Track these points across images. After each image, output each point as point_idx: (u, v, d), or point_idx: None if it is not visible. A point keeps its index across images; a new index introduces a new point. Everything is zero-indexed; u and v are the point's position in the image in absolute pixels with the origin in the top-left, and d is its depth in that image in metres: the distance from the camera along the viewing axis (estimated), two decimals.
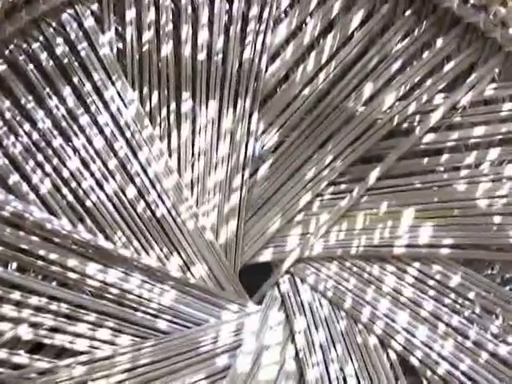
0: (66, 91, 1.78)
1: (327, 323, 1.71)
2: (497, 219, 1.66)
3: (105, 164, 1.72)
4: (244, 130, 1.74)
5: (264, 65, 1.70)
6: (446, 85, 1.72)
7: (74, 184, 1.73)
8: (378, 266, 1.73)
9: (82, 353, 1.66)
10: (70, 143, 1.73)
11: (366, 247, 1.72)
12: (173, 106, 1.73)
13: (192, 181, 1.75)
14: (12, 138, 1.70)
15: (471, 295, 1.68)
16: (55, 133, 1.72)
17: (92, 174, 1.71)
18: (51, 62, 1.71)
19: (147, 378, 1.64)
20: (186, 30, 1.75)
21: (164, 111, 1.73)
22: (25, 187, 1.69)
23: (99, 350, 1.67)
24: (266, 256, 1.77)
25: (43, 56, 1.72)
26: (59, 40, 1.72)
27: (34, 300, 1.66)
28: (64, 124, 1.74)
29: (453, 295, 1.70)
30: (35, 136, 1.71)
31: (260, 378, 1.63)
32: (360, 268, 1.73)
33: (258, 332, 1.69)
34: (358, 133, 1.73)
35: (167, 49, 1.74)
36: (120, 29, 1.75)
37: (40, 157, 1.70)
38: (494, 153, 1.70)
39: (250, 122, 1.73)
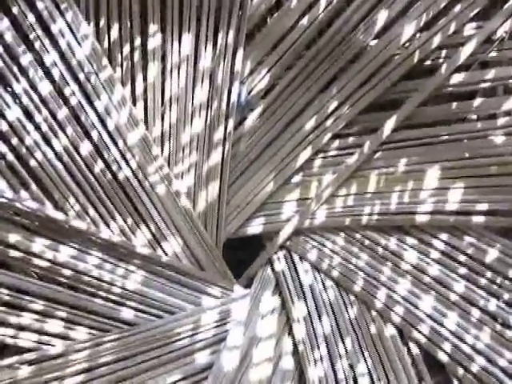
0: (3, 24, 1.71)
1: (333, 310, 1.64)
2: None
3: (53, 114, 1.68)
4: (226, 71, 1.69)
5: None
6: (478, 12, 1.68)
7: (14, 140, 1.68)
8: (395, 238, 1.66)
9: (27, 350, 1.63)
10: (9, 89, 1.71)
11: (381, 215, 1.66)
12: (137, 41, 1.72)
13: (162, 135, 1.71)
14: None
15: None
16: None
17: (37, 127, 1.68)
18: None
19: (109, 381, 1.60)
20: None
21: (126, 48, 1.71)
22: None
23: (49, 347, 1.63)
24: (256, 227, 1.71)
25: None
26: None
27: None
28: (1, 64, 1.70)
29: (489, 274, 1.64)
30: None
31: (250, 378, 1.58)
32: (373, 241, 1.66)
33: (247, 322, 1.64)
34: (368, 73, 1.68)
35: None
36: None
37: None
38: None
39: (233, 61, 1.70)
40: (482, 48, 1.67)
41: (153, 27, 1.69)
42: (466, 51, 1.66)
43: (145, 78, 1.71)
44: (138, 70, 1.70)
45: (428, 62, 1.69)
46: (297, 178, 1.71)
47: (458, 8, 1.69)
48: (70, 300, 1.64)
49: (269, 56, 1.71)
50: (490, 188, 1.66)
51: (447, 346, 1.62)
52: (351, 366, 1.64)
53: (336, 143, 1.71)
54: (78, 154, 1.67)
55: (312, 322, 1.65)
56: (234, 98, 1.69)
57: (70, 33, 1.68)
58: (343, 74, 1.70)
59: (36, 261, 1.65)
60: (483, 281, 1.65)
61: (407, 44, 1.68)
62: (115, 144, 1.68)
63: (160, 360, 1.62)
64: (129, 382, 1.62)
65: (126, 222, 1.67)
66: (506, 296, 1.66)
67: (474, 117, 1.69)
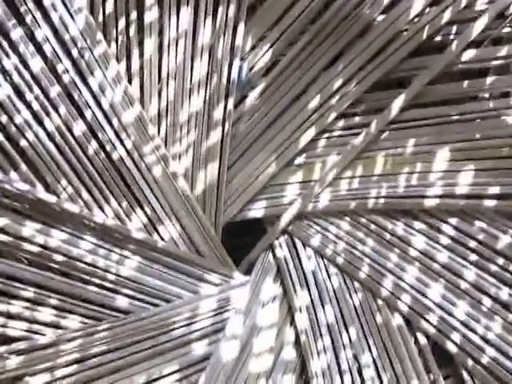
0: None
1: (337, 298, 1.63)
2: None
3: (44, 92, 1.66)
4: (226, 47, 1.68)
5: None
6: None
7: (3, 118, 1.66)
8: (402, 223, 1.64)
9: (16, 339, 1.62)
10: None
11: (388, 199, 1.64)
12: (133, 15, 1.70)
13: (159, 113, 1.69)
14: None
15: None
16: None
17: (28, 106, 1.67)
18: None
19: (101, 372, 1.60)
20: None
21: (122, 22, 1.69)
22: None
23: (39, 336, 1.62)
24: (257, 211, 1.71)
25: None
26: None
27: None
28: None
29: (501, 260, 1.63)
30: None
31: (250, 369, 1.57)
32: (380, 226, 1.65)
33: (247, 310, 1.63)
34: (376, 49, 1.68)
35: None
36: None
37: None
38: None
39: (234, 36, 1.70)
40: (494, 23, 1.66)
41: (149, 0, 1.67)
42: (477, 27, 1.66)
43: (141, 54, 1.70)
44: (133, 46, 1.70)
45: (438, 38, 1.69)
46: (300, 160, 1.72)
47: None
48: (62, 287, 1.64)
49: (271, 31, 1.72)
50: (502, 171, 1.66)
51: (456, 337, 1.61)
52: (355, 357, 1.64)
53: (341, 123, 1.71)
54: (71, 133, 1.67)
55: (315, 311, 1.65)
56: (234, 75, 1.69)
57: (62, 6, 1.68)
58: (349, 50, 1.70)
59: (26, 246, 1.65)
60: (494, 268, 1.65)
61: (416, 19, 1.68)
62: (110, 123, 1.68)
63: (155, 350, 1.63)
64: (123, 372, 1.59)
65: (120, 205, 1.67)
66: None
67: (486, 95, 1.69)
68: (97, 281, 1.64)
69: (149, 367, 1.62)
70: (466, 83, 1.68)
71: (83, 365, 1.61)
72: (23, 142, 1.66)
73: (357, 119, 1.70)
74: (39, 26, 1.67)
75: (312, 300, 1.65)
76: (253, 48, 1.71)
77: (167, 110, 1.69)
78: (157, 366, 1.62)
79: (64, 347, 1.60)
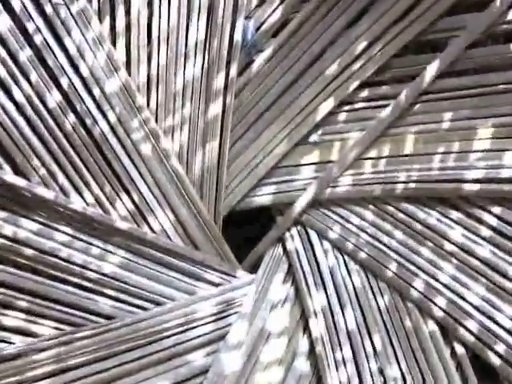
0: None
1: (358, 300, 1.57)
2: None
3: (12, 56, 1.59)
4: (228, 3, 1.62)
5: None
6: None
7: None
8: (437, 212, 1.57)
9: None
10: None
11: (420, 183, 1.58)
12: None
13: (149, 81, 1.64)
14: None
15: None
16: None
17: None
18: None
19: None
20: None
21: None
22: None
23: (6, 345, 1.55)
24: (264, 198, 1.65)
25: None
26: None
27: None
28: None
29: None
30: None
31: (256, 383, 1.52)
32: (410, 216, 1.59)
33: (253, 315, 1.57)
34: (406, 5, 1.61)
35: None
36: None
37: None
38: None
39: None
40: None
41: None
42: None
43: (127, 11, 1.65)
44: (118, 1, 1.59)
45: None
46: (315, 137, 1.63)
47: None
48: (33, 287, 1.60)
49: None
50: None
51: (500, 347, 1.55)
52: (381, 370, 1.57)
53: (365, 93, 1.66)
54: (44, 105, 1.61)
55: (333, 316, 1.60)
56: (237, 36, 1.63)
57: None
58: (374, 6, 1.65)
59: None
60: None
61: None
62: (90, 93, 1.63)
63: (144, 362, 1.56)
64: None
65: (102, 190, 1.61)
66: None
67: None
68: (74, 279, 1.59)
69: (136, 382, 1.57)
70: (511, 47, 1.55)
71: (59, 379, 1.56)
72: None
73: (383, 89, 1.65)
74: None
75: (329, 302, 1.61)
76: (260, 4, 1.66)
77: (158, 77, 1.64)
78: (146, 380, 1.57)
79: (35, 358, 1.56)
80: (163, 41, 1.62)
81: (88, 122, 1.58)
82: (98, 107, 1.59)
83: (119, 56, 1.60)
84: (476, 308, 1.58)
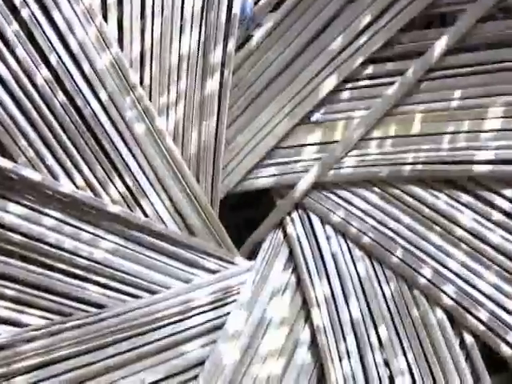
0: None
1: (363, 289, 1.54)
2: None
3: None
4: None
5: None
6: None
7: None
8: (446, 195, 1.54)
9: None
10: None
11: (428, 165, 1.55)
12: None
13: (142, 57, 1.58)
14: None
15: None
16: None
17: None
18: None
19: (70, 380, 1.49)
20: None
21: None
22: None
23: None
24: (264, 180, 1.61)
25: None
26: None
27: None
28: None
29: None
30: None
31: (255, 375, 1.49)
32: (417, 199, 1.56)
33: (251, 303, 1.54)
34: None
35: None
36: None
37: None
38: None
39: None
40: None
41: None
42: None
43: None
44: None
45: None
46: (318, 116, 1.58)
47: None
48: (20, 274, 1.53)
49: None
50: None
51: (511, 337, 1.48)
52: (386, 362, 1.51)
53: (370, 69, 1.60)
54: (32, 82, 1.53)
55: (336, 305, 1.54)
56: (235, 8, 1.56)
57: None
58: None
59: None
60: None
61: None
62: (80, 69, 1.54)
63: (137, 353, 1.50)
64: (96, 380, 1.48)
65: (93, 172, 1.55)
66: None
67: None
68: (63, 266, 1.53)
69: (128, 374, 1.51)
70: None
71: (47, 371, 1.50)
72: None
73: (389, 65, 1.58)
74: None
75: (332, 291, 1.55)
76: None
77: (152, 52, 1.57)
78: (139, 372, 1.51)
79: (22, 349, 1.50)
80: (158, 14, 1.56)
81: (78, 100, 1.53)
82: (89, 85, 1.54)
83: (111, 30, 1.54)
84: (487, 296, 1.54)
